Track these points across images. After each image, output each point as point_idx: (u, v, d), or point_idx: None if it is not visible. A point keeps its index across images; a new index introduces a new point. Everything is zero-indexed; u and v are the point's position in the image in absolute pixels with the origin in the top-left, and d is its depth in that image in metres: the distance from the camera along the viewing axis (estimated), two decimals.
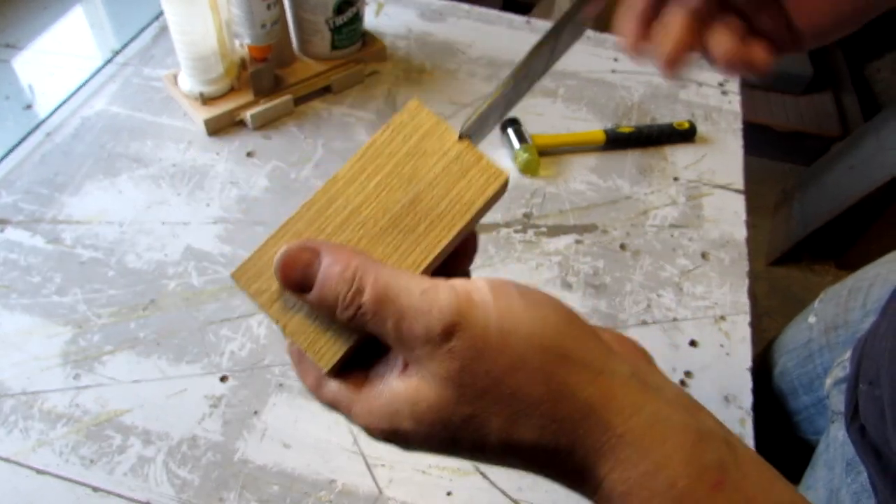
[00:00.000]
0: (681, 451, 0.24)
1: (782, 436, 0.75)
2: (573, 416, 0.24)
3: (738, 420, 0.60)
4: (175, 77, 0.79)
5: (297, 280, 0.27)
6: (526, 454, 0.25)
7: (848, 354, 0.60)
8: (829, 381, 0.62)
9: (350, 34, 0.82)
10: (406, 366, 0.26)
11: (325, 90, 0.84)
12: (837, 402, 0.59)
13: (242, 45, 0.76)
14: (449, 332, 0.24)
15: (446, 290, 0.25)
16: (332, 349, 0.27)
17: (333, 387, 0.29)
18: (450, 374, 0.24)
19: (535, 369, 0.24)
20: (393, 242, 0.27)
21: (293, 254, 0.27)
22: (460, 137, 0.30)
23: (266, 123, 0.79)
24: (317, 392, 0.29)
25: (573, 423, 0.24)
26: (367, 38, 0.88)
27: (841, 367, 0.60)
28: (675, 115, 0.86)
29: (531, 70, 0.33)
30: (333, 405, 0.29)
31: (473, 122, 0.31)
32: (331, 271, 0.26)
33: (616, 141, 0.81)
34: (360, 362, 0.29)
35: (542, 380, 0.24)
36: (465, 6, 0.99)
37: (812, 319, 0.72)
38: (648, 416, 0.24)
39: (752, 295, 0.69)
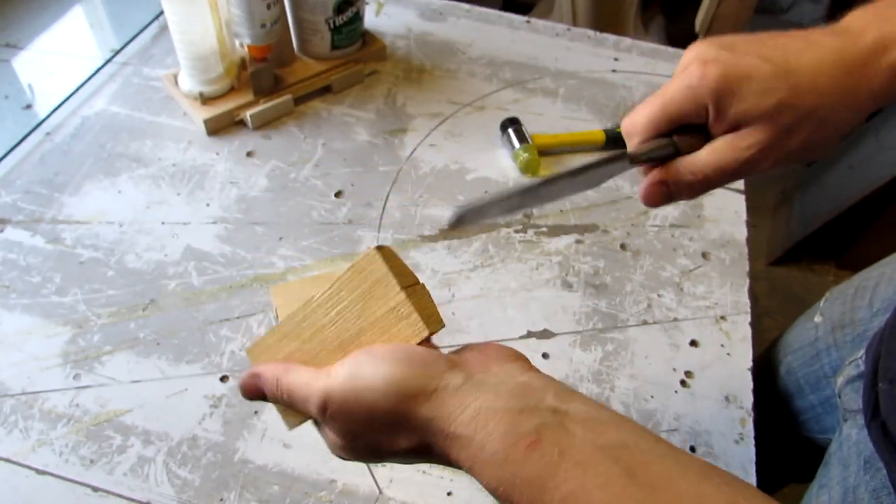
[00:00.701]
0: (500, 427, 0.31)
1: (788, 435, 0.75)
2: (421, 428, 0.33)
3: (739, 420, 0.60)
4: (175, 77, 0.79)
5: (255, 396, 0.39)
6: (411, 453, 0.35)
7: (861, 353, 0.60)
8: (840, 380, 0.62)
9: (350, 34, 0.82)
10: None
11: (325, 90, 0.84)
12: (850, 400, 0.59)
13: (242, 44, 0.76)
14: (324, 408, 0.35)
15: (321, 380, 0.36)
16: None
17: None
18: (338, 431, 0.36)
19: (386, 410, 0.33)
20: (340, 358, 0.36)
21: (246, 382, 0.39)
22: (449, 225, 0.38)
23: (266, 123, 0.79)
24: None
25: (423, 432, 0.33)
26: (367, 38, 0.88)
27: (854, 366, 0.60)
28: None
29: (542, 192, 0.40)
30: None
31: (461, 214, 0.38)
32: (253, 383, 0.39)
33: (616, 141, 0.81)
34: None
35: (391, 412, 0.34)
36: (465, 6, 0.99)
37: (818, 319, 0.72)
38: (472, 411, 0.32)
39: (753, 295, 0.69)
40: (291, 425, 0.40)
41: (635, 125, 0.41)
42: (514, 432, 0.31)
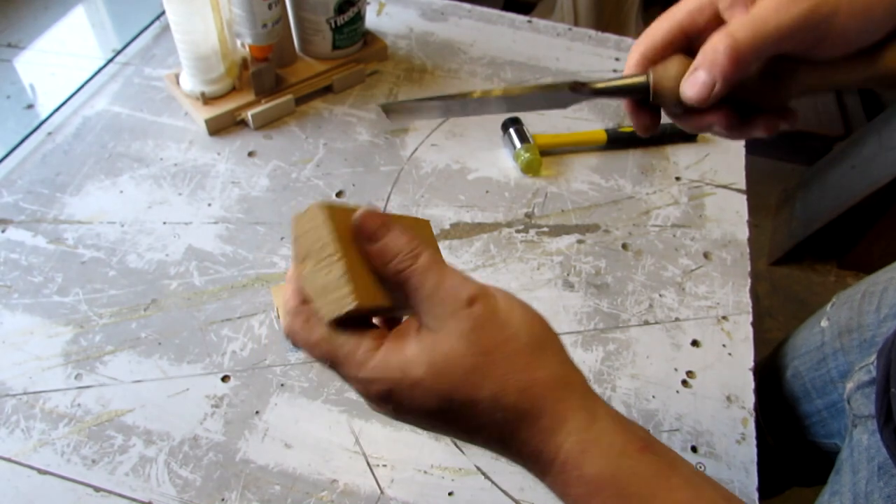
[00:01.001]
0: (615, 424, 0.32)
1: (793, 439, 0.75)
2: (547, 384, 0.31)
3: (741, 420, 0.60)
4: (176, 77, 0.79)
5: (370, 230, 0.33)
6: (508, 413, 0.31)
7: (872, 359, 0.60)
8: (850, 386, 0.62)
9: (351, 34, 0.82)
10: (421, 327, 0.32)
11: (327, 90, 0.84)
12: (861, 406, 0.59)
13: (244, 44, 0.75)
14: (472, 300, 0.31)
15: (472, 280, 0.33)
16: (369, 293, 0.32)
17: (343, 340, 0.32)
18: (464, 332, 0.31)
19: (525, 344, 0.32)
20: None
21: (372, 213, 0.33)
22: (381, 107, 0.39)
23: (267, 123, 0.79)
24: (323, 345, 0.33)
25: (546, 391, 0.31)
26: (369, 38, 0.88)
27: (865, 371, 0.60)
28: None
29: (472, 106, 0.40)
30: (339, 359, 0.33)
31: (389, 105, 0.39)
32: (400, 234, 0.33)
33: (618, 140, 0.81)
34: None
35: (528, 352, 0.32)
36: (467, 6, 0.99)
37: (825, 323, 0.72)
38: (592, 405, 0.32)
39: (754, 295, 0.69)
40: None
41: (638, 47, 0.39)
42: (629, 431, 0.32)
